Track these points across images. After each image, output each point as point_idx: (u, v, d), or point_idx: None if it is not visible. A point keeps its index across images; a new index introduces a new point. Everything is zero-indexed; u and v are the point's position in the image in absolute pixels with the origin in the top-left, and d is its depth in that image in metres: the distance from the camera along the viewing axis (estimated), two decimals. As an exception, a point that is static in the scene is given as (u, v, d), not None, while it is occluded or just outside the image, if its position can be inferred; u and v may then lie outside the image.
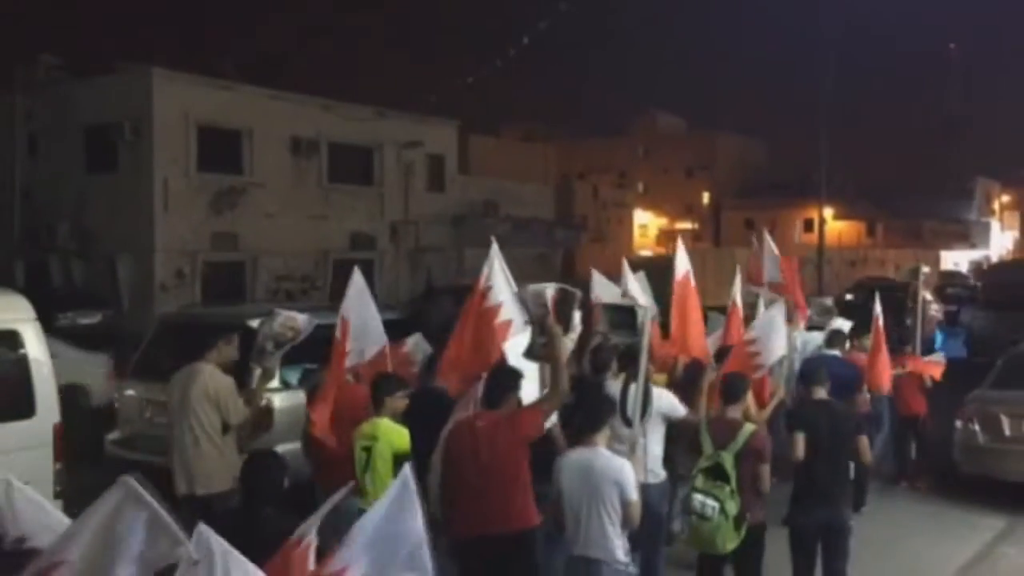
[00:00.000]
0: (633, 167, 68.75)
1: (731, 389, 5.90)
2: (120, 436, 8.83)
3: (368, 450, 5.44)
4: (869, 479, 8.69)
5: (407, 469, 3.07)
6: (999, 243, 67.89)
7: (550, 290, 5.66)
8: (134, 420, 8.64)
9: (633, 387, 5.95)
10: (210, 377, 6.17)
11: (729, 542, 5.36)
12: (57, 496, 6.13)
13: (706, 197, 68.21)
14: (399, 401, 5.70)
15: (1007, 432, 9.24)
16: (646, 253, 51.43)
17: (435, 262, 29.10)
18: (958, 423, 9.56)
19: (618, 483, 4.86)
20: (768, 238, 10.50)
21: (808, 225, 53.64)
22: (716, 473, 5.39)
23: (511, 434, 5.02)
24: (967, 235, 61.32)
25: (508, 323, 5.88)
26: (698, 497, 5.37)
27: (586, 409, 5.20)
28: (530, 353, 5.72)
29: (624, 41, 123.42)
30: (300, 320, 6.33)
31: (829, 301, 12.31)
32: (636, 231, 57.47)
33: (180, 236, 22.04)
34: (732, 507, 5.30)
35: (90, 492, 2.93)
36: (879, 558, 7.56)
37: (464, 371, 5.80)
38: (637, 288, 7.32)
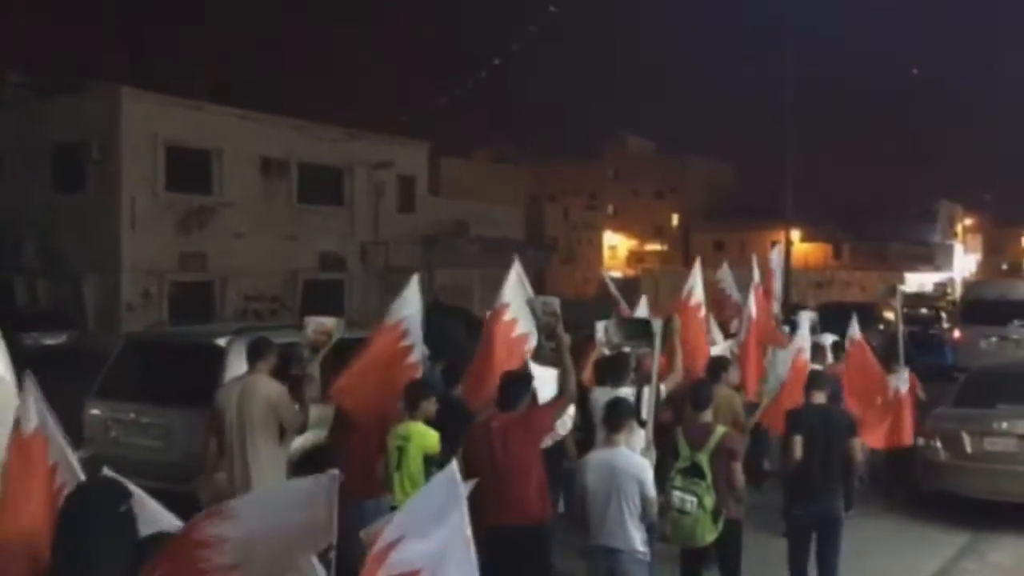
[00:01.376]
0: (603, 189, 69.25)
1: (701, 396, 6.29)
2: (85, 455, 8.72)
3: (401, 449, 5.83)
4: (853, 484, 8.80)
5: (454, 464, 3.13)
6: (962, 265, 69.02)
7: (557, 301, 6.25)
8: (99, 439, 8.54)
9: (647, 391, 6.35)
10: (266, 386, 6.30)
11: (708, 534, 5.76)
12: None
13: (675, 219, 68.84)
14: (431, 405, 6.09)
15: (968, 449, 9.36)
16: (615, 274, 51.70)
17: (405, 283, 29.05)
18: (920, 440, 9.67)
19: (639, 480, 5.30)
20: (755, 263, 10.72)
21: (775, 247, 54.27)
22: (693, 472, 5.79)
23: (524, 433, 5.41)
24: (931, 257, 62.28)
25: (524, 336, 6.51)
26: (677, 494, 5.73)
27: (609, 412, 5.59)
28: (538, 357, 6.43)
29: (595, 65, 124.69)
30: (330, 324, 6.52)
31: (813, 315, 12.52)
32: (606, 252, 57.85)
33: (148, 256, 21.88)
34: (709, 501, 5.72)
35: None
36: (844, 572, 7.70)
37: (490, 386, 6.06)
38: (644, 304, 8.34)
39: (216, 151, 23.52)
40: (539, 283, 36.87)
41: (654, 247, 68.52)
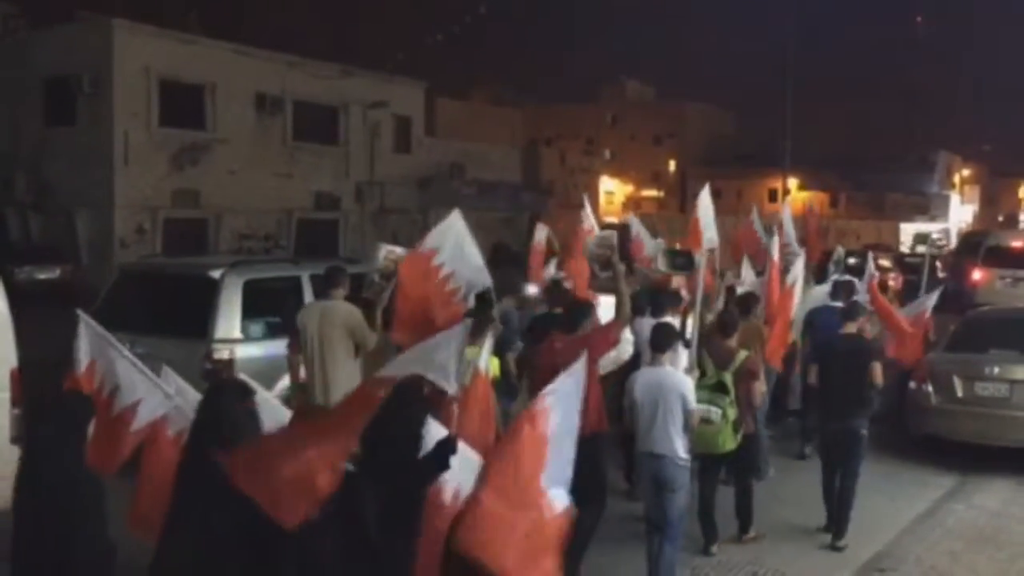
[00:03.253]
0: (601, 134, 68.70)
1: (727, 325, 7.17)
2: (79, 385, 8.73)
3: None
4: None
5: (581, 363, 4.41)
6: (958, 216, 68.93)
7: (614, 235, 7.44)
8: (94, 370, 8.54)
9: (691, 317, 7.31)
10: (343, 309, 7.01)
11: (728, 443, 6.55)
12: (14, 442, 6.04)
13: (672, 165, 68.45)
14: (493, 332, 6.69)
15: (959, 393, 9.44)
16: (611, 220, 51.56)
17: (400, 224, 28.96)
18: (912, 384, 9.75)
19: (682, 395, 5.96)
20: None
21: (772, 195, 54.06)
22: (718, 388, 6.55)
23: (584, 352, 5.85)
24: (927, 207, 62.15)
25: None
26: (703, 406, 6.34)
27: (655, 336, 6.28)
28: (593, 286, 7.52)
29: (595, 7, 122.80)
30: (399, 251, 7.17)
31: (841, 252, 13.32)
32: (602, 198, 57.58)
33: (140, 192, 21.71)
34: (731, 413, 6.50)
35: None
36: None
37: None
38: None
39: (210, 86, 23.19)
40: (535, 226, 36.74)
41: (651, 193, 68.22)
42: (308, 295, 8.47)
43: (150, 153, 21.85)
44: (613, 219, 53.05)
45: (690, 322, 7.31)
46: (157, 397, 4.77)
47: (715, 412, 6.44)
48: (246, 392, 4.17)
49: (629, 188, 67.52)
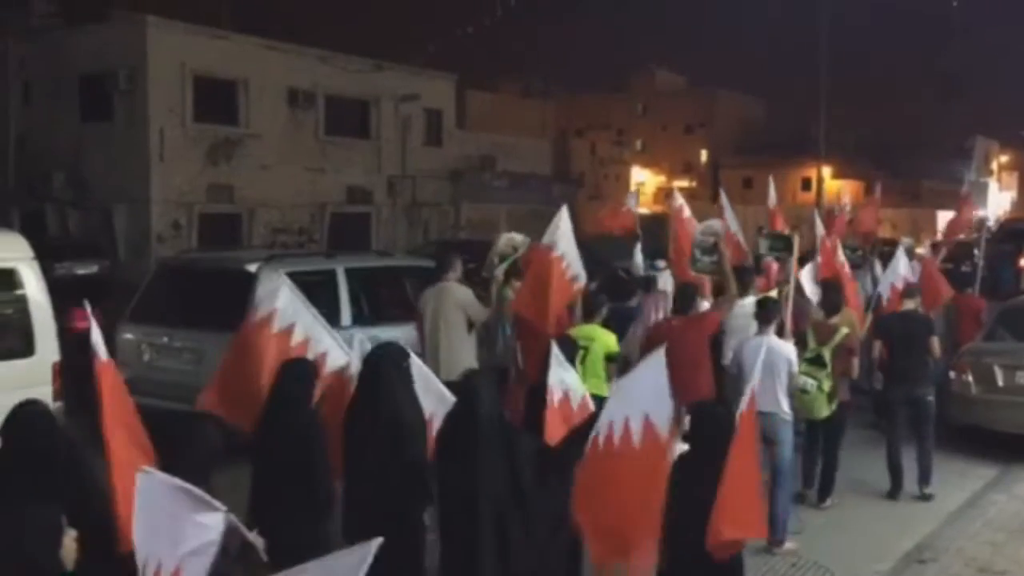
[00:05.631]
0: (631, 124, 68.38)
1: (831, 303, 8.02)
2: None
3: (586, 348, 6.86)
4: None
5: (662, 352, 4.43)
6: (996, 203, 67.81)
7: (719, 223, 8.79)
8: (133, 363, 8.65)
9: (785, 290, 8.19)
10: (456, 291, 7.86)
11: (824, 410, 7.31)
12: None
13: (704, 155, 67.97)
14: (604, 311, 7.43)
15: (1000, 383, 9.32)
16: (643, 211, 51.33)
17: (432, 217, 29.03)
18: (952, 374, 9.63)
19: (788, 359, 6.82)
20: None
21: (806, 184, 53.56)
22: (817, 361, 7.26)
23: (698, 331, 7.15)
24: (966, 195, 61.10)
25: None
26: (802, 377, 7.11)
27: (760, 307, 7.11)
28: (696, 268, 8.60)
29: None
30: (518, 239, 8.15)
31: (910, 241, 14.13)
32: (633, 188, 57.30)
33: (176, 187, 21.93)
34: (827, 385, 7.24)
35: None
36: (875, 501, 7.95)
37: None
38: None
39: (243, 82, 23.35)
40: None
41: (682, 183, 67.79)
42: (343, 288, 8.52)
43: (185, 149, 22.06)
44: (644, 210, 52.82)
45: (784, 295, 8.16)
46: (338, 351, 5.54)
47: (811, 384, 7.18)
48: (403, 355, 4.98)
49: (661, 179, 67.11)
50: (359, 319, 8.86)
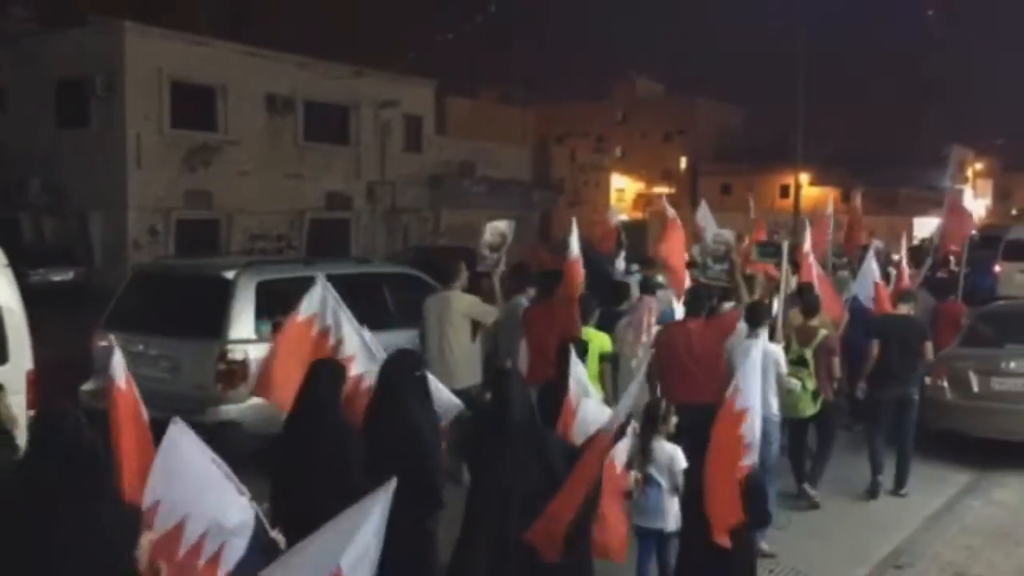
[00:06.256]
0: (611, 131, 68.46)
1: (810, 306, 8.13)
2: (94, 387, 8.75)
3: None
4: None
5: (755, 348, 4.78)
6: (972, 210, 68.35)
7: (729, 232, 8.96)
8: (107, 370, 8.55)
9: (776, 299, 8.41)
10: (461, 299, 7.86)
11: (808, 409, 7.60)
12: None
13: (683, 162, 68.24)
14: (596, 315, 7.61)
15: (975, 389, 9.36)
16: (623, 217, 51.48)
17: (412, 223, 28.98)
18: (928, 380, 9.67)
19: (776, 361, 7.03)
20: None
21: (784, 191, 53.85)
22: (799, 363, 7.54)
23: (714, 332, 7.22)
24: (941, 202, 61.69)
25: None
26: (786, 378, 7.29)
27: (751, 311, 7.37)
28: (707, 276, 8.76)
29: (604, 5, 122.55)
30: (502, 225, 8.18)
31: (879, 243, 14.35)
32: (613, 195, 57.43)
33: (153, 193, 21.80)
34: (810, 384, 7.54)
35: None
36: (853, 506, 7.95)
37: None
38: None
39: (221, 88, 23.27)
40: (546, 224, 36.75)
41: (662, 190, 68.06)
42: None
43: (162, 155, 21.93)
44: (624, 216, 52.99)
45: (776, 303, 8.43)
46: (366, 354, 5.66)
47: (795, 384, 7.44)
48: (419, 363, 5.12)
49: (640, 185, 67.31)
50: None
